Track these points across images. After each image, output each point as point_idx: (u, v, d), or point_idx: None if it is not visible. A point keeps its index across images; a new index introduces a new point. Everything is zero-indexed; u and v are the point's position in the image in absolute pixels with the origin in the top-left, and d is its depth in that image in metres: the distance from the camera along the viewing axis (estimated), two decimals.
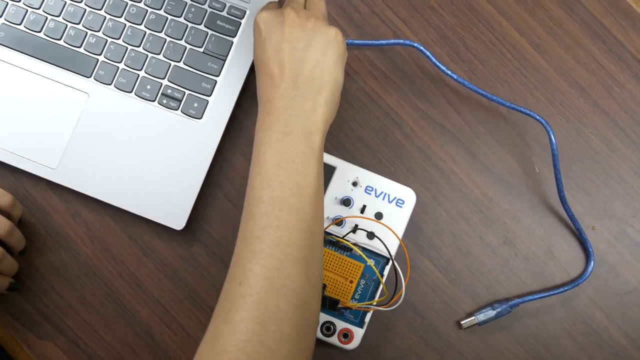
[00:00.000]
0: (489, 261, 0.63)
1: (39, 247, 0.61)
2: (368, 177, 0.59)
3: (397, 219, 0.59)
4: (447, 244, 0.63)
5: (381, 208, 0.59)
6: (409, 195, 0.60)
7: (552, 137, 0.60)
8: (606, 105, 0.66)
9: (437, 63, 0.62)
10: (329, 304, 0.57)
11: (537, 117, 0.61)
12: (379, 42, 0.63)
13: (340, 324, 0.58)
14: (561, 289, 0.62)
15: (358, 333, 0.58)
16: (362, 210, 0.59)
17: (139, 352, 0.62)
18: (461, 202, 0.64)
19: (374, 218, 0.59)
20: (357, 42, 0.63)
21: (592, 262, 0.63)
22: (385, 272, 0.59)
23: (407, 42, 0.62)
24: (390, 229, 0.58)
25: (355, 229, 0.58)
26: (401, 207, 0.59)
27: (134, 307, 0.62)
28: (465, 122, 0.65)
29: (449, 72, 0.61)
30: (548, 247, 0.64)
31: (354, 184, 0.59)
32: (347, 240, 0.58)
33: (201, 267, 0.62)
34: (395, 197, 0.59)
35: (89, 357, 0.61)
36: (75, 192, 0.61)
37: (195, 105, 0.61)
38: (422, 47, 0.62)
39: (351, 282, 0.58)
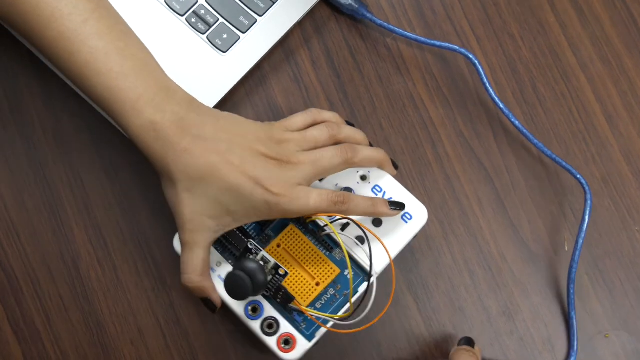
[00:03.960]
0: (480, 327, 0.54)
1: None
2: (381, 177, 0.50)
3: (397, 235, 0.49)
4: (441, 290, 0.54)
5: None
6: (420, 213, 0.50)
7: (587, 210, 0.53)
8: None
9: (487, 84, 0.54)
10: (282, 298, 0.46)
11: (586, 189, 0.53)
12: (431, 41, 0.56)
13: (286, 327, 0.47)
14: None
15: (302, 345, 0.46)
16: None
17: (57, 278, 0.52)
18: (472, 251, 0.55)
19: (370, 223, 0.49)
20: (408, 34, 0.56)
21: None
22: (360, 290, 0.49)
23: (463, 50, 0.55)
24: (383, 244, 0.47)
25: (345, 226, 0.49)
26: (407, 222, 0.50)
27: (71, 226, 0.53)
28: (505, 167, 0.57)
29: (502, 105, 0.54)
30: (550, 337, 0.54)
31: (363, 177, 0.50)
32: (336, 235, 0.47)
33: (163, 212, 0.53)
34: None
35: (0, 261, 0.52)
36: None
37: (225, 37, 0.54)
38: (476, 60, 0.54)
39: (318, 284, 0.47)
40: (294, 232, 0.48)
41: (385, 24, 0.56)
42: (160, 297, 0.53)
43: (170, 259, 0.53)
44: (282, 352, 0.46)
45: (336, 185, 0.50)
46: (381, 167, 0.50)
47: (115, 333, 0.52)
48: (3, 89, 0.54)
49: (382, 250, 0.47)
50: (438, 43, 0.55)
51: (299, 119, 0.49)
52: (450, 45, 0.55)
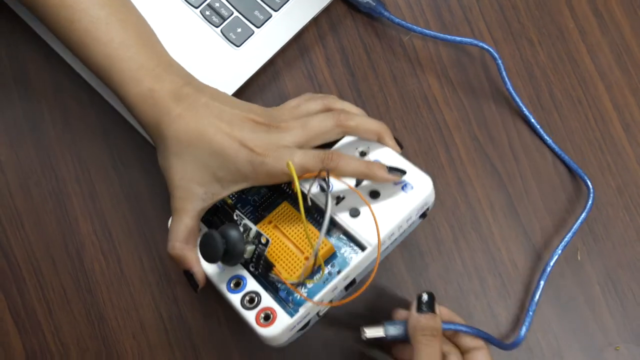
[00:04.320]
0: None
1: None
2: (382, 152, 0.46)
3: (396, 206, 0.43)
4: (450, 296, 0.53)
5: (380, 187, 0.45)
6: (423, 183, 0.44)
7: (585, 211, 0.53)
8: None
9: (506, 78, 0.54)
10: (262, 267, 0.42)
11: (590, 189, 0.52)
12: (449, 36, 0.55)
13: (268, 302, 0.42)
14: None
15: (283, 320, 0.41)
16: (358, 184, 0.45)
17: (60, 268, 0.51)
18: (483, 258, 0.54)
19: (367, 196, 0.44)
20: (426, 31, 0.55)
21: None
22: (351, 262, 0.42)
23: (483, 44, 0.54)
24: (372, 214, 0.42)
25: (339, 201, 0.45)
26: (406, 191, 0.44)
27: (76, 217, 0.52)
28: (519, 173, 0.56)
29: (517, 97, 0.53)
30: (559, 349, 0.53)
31: (362, 153, 0.46)
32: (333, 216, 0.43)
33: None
34: (404, 181, 0.44)
35: (2, 248, 0.51)
36: None
37: (239, 30, 0.53)
38: (496, 54, 0.54)
39: (307, 259, 0.42)
40: (287, 209, 0.46)
41: (403, 22, 0.55)
42: (164, 292, 0.52)
43: None
44: (260, 326, 0.41)
45: None
46: (380, 139, 0.46)
47: (117, 327, 0.51)
48: (13, 76, 0.53)
49: (381, 223, 0.43)
50: (459, 39, 0.54)
51: (296, 100, 0.49)
52: (472, 40, 0.54)
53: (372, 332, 0.45)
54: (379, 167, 0.44)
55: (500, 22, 0.58)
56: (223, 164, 0.43)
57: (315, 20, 0.56)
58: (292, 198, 0.46)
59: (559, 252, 0.52)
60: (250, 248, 0.42)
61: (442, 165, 0.55)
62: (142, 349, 0.51)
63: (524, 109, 0.54)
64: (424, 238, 0.54)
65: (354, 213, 0.44)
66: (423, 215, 0.46)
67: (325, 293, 0.42)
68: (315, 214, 0.45)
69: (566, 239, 0.53)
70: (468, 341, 0.47)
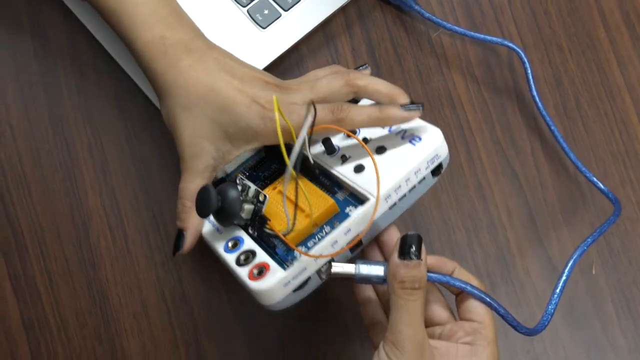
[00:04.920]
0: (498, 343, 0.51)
1: None
2: None
3: (403, 157, 0.40)
4: None
5: (387, 142, 0.42)
6: (431, 134, 0.41)
7: (607, 225, 0.49)
8: None
9: (532, 84, 0.53)
10: (258, 221, 0.40)
11: (617, 206, 0.50)
12: (481, 35, 0.54)
13: (263, 257, 0.39)
14: None
15: (276, 274, 0.37)
16: (365, 142, 0.43)
17: (64, 240, 0.50)
18: (496, 264, 0.53)
19: (373, 151, 0.42)
20: (456, 28, 0.54)
21: None
22: (353, 214, 0.39)
23: (513, 45, 0.53)
24: (373, 161, 0.38)
25: (344, 159, 0.42)
26: (414, 144, 0.41)
27: (85, 190, 0.51)
28: (539, 182, 0.54)
29: (542, 107, 0.52)
30: None
31: None
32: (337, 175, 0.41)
33: None
34: (412, 134, 0.41)
35: (7, 215, 0.50)
36: None
37: (265, 12, 0.52)
38: (524, 57, 0.53)
39: (307, 217, 0.39)
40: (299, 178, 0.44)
41: (433, 17, 0.54)
42: (169, 273, 0.50)
43: None
44: (251, 279, 0.38)
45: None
46: (393, 102, 0.43)
47: (119, 304, 0.50)
48: (32, 39, 0.52)
49: (387, 175, 0.39)
50: (488, 37, 0.53)
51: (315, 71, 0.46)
52: (501, 40, 0.53)
53: (341, 268, 0.39)
54: (394, 107, 0.41)
55: (531, 26, 0.57)
56: (234, 120, 0.41)
57: (343, 9, 0.55)
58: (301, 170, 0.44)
59: (575, 258, 0.49)
60: (248, 207, 0.40)
61: (462, 166, 0.54)
62: (142, 328, 0.50)
63: (547, 118, 0.53)
64: (439, 239, 0.53)
65: (359, 169, 0.41)
66: (436, 173, 0.42)
67: (323, 247, 0.38)
68: (319, 175, 0.43)
69: (583, 249, 0.50)
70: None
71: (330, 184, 0.42)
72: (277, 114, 0.35)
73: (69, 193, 0.51)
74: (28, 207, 0.50)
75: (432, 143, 0.40)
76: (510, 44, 0.53)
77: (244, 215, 0.40)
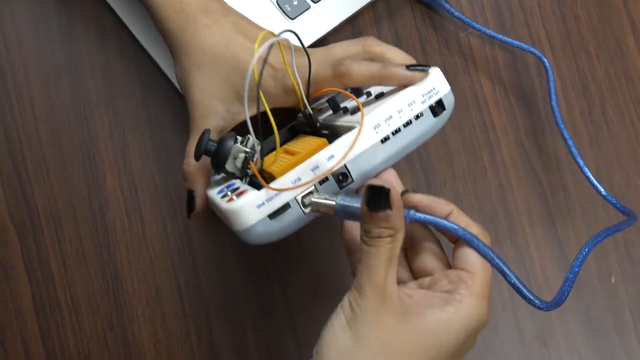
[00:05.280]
0: (511, 346, 0.51)
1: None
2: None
3: (398, 92, 0.38)
4: None
5: (388, 89, 0.41)
6: (430, 71, 0.39)
7: (619, 228, 0.46)
8: None
9: (553, 93, 0.52)
10: (243, 164, 0.38)
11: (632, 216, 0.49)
12: (509, 39, 0.53)
13: (244, 187, 0.37)
14: None
15: (250, 195, 0.35)
16: (368, 94, 0.43)
17: (80, 222, 0.49)
18: (514, 267, 0.52)
19: (373, 98, 0.41)
20: (484, 29, 0.53)
21: None
22: (340, 140, 0.36)
23: (539, 53, 0.52)
24: (356, 100, 0.37)
25: (345, 111, 0.41)
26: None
27: (104, 172, 0.50)
28: (562, 187, 0.54)
29: (560, 119, 0.51)
30: None
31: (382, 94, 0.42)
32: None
33: None
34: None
35: (24, 195, 0.49)
36: None
37: (295, 3, 0.51)
38: (548, 65, 0.52)
39: (293, 154, 0.38)
40: (302, 136, 0.43)
41: (462, 16, 0.53)
42: (184, 260, 0.50)
43: (201, 222, 0.50)
44: (227, 202, 0.36)
45: None
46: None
47: (132, 289, 0.49)
48: (57, 19, 0.52)
49: (378, 106, 0.37)
50: (516, 42, 0.53)
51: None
52: (528, 47, 0.52)
53: (322, 199, 0.36)
54: (397, 66, 0.39)
55: (561, 31, 0.56)
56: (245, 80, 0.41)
57: (373, 4, 0.54)
58: (303, 128, 0.44)
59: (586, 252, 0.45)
60: (241, 155, 0.38)
61: (485, 168, 0.53)
62: (154, 315, 0.49)
63: (565, 133, 0.51)
64: None
65: (354, 111, 0.40)
66: (437, 113, 0.39)
67: (301, 171, 0.36)
68: (320, 129, 0.41)
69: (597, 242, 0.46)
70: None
71: (331, 134, 0.40)
72: (256, 46, 0.33)
73: (87, 175, 0.50)
74: (45, 187, 0.50)
75: (428, 77, 0.38)
76: (536, 52, 0.53)
77: (238, 163, 0.38)
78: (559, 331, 0.52)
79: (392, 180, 0.38)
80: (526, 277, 0.52)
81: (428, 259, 0.38)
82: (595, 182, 0.50)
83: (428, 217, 0.36)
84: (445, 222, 0.36)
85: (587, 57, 0.56)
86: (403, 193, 0.37)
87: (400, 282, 0.37)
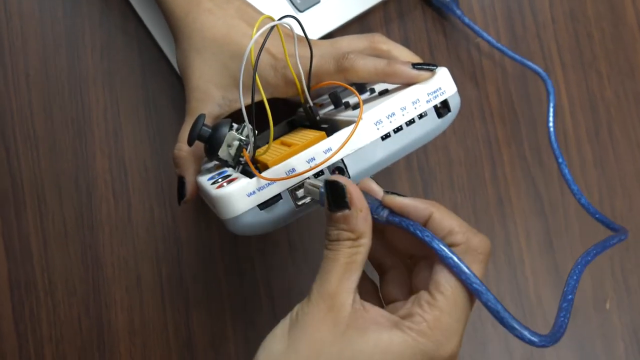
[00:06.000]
0: None
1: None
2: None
3: (402, 90, 0.37)
4: None
5: (392, 87, 0.40)
6: (437, 71, 0.37)
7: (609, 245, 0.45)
8: None
9: (551, 115, 0.49)
10: (236, 153, 0.37)
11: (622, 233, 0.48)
12: (518, 56, 0.52)
13: (235, 175, 0.36)
14: None
15: (240, 182, 0.34)
16: (372, 91, 0.42)
17: (65, 201, 0.48)
18: (507, 285, 0.51)
19: (376, 95, 0.40)
20: (493, 41, 0.52)
21: None
22: (338, 133, 0.35)
23: (543, 73, 0.51)
24: (356, 93, 0.36)
25: (347, 106, 0.40)
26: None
27: (94, 152, 0.49)
28: (562, 206, 0.52)
29: (555, 142, 0.49)
30: None
31: (386, 90, 0.41)
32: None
33: None
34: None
35: (10, 167, 0.48)
36: None
37: None
38: (551, 88, 0.50)
39: (289, 146, 0.37)
40: (300, 129, 0.42)
41: (472, 24, 0.52)
42: (168, 250, 0.48)
43: (189, 213, 0.49)
44: (216, 189, 0.35)
45: None
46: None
47: (112, 275, 0.48)
48: None
49: (381, 103, 0.36)
50: (528, 63, 0.51)
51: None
52: (536, 67, 0.51)
53: (313, 182, 0.34)
54: (403, 64, 0.37)
55: (572, 47, 0.55)
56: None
57: (384, 4, 0.53)
58: (303, 122, 0.42)
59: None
60: (236, 143, 0.37)
61: (485, 181, 0.52)
62: (132, 303, 0.47)
63: (557, 152, 0.49)
64: None
65: (355, 107, 0.39)
66: (441, 114, 0.37)
67: (296, 162, 0.34)
68: (320, 122, 0.40)
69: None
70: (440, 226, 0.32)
71: (330, 128, 0.38)
72: (254, 30, 0.33)
73: (76, 153, 0.48)
74: (32, 161, 0.48)
75: (435, 77, 0.37)
76: (541, 72, 0.51)
77: (231, 151, 0.37)
78: (549, 357, 0.50)
79: (366, 181, 0.34)
80: (518, 296, 0.50)
81: (423, 276, 0.33)
82: (584, 199, 0.48)
83: (396, 219, 0.32)
84: (412, 227, 0.31)
85: (598, 76, 0.55)
86: (385, 195, 0.33)
87: (393, 301, 0.34)
